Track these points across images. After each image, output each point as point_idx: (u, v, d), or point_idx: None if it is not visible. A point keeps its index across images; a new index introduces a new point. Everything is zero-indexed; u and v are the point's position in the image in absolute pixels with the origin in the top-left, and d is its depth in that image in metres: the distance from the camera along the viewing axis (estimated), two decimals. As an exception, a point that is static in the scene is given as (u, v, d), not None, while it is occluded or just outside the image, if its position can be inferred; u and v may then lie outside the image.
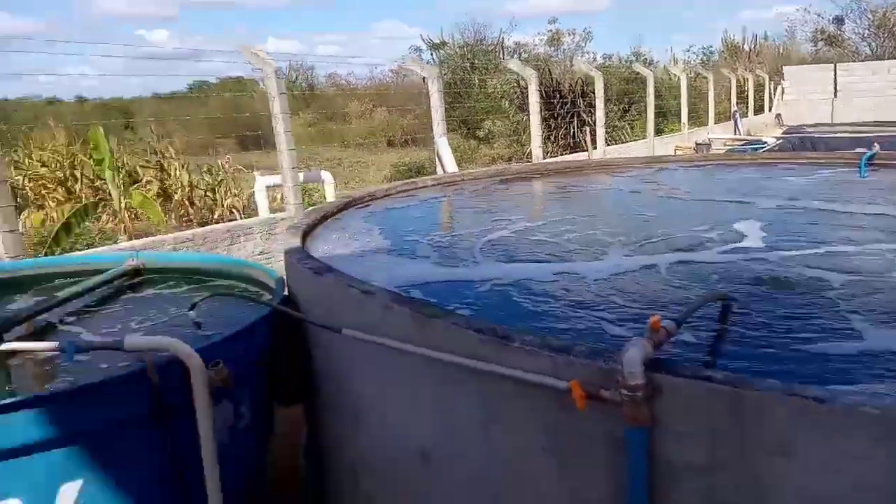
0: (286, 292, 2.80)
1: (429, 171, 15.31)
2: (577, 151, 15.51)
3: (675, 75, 19.16)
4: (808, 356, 1.86)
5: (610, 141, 15.98)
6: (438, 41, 25.79)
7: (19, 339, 2.47)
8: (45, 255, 7.55)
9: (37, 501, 1.97)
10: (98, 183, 11.60)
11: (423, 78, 9.89)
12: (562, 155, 15.77)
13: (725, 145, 14.60)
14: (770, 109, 24.76)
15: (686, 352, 1.88)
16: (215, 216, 12.09)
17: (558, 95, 18.05)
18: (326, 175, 9.35)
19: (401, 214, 4.28)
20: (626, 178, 5.40)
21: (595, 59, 25.56)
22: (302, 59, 36.03)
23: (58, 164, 12.78)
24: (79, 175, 12.49)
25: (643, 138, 16.58)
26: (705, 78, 20.04)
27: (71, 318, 2.81)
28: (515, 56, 22.95)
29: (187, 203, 12.69)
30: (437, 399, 2.00)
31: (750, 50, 31.56)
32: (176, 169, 12.95)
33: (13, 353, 2.38)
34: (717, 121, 19.88)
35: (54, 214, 11.37)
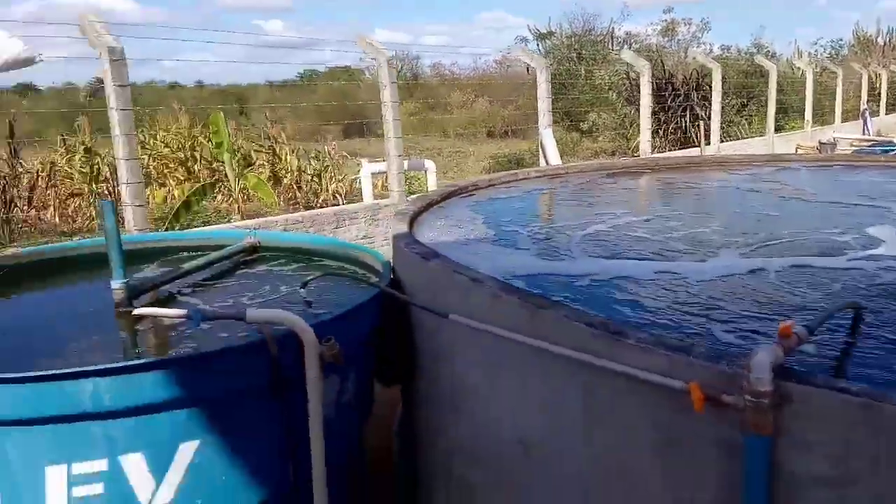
0: (392, 276, 2.85)
1: (529, 163, 15.15)
2: (686, 147, 14.89)
3: (798, 69, 18.01)
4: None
5: (724, 137, 15.21)
6: (546, 31, 25.39)
7: (148, 305, 2.64)
8: (166, 229, 8.08)
9: (158, 457, 2.07)
10: (215, 165, 12.24)
11: (528, 68, 9.79)
12: (670, 150, 15.19)
13: (852, 146, 13.60)
14: (904, 108, 22.86)
15: (804, 359, 1.76)
16: (320, 200, 12.48)
17: (670, 88, 17.34)
18: (430, 164, 9.46)
19: (504, 205, 4.26)
20: (743, 176, 5.12)
21: (711, 51, 24.35)
22: (407, 49, 36.54)
23: (179, 146, 13.58)
24: (198, 156, 13.23)
25: (761, 135, 15.71)
26: (833, 73, 18.71)
27: (188, 290, 2.95)
28: (625, 46, 22.21)
29: (295, 187, 13.17)
30: (543, 390, 1.98)
31: (885, 44, 29.14)
32: (286, 154, 13.47)
33: (141, 317, 2.55)
34: (844, 119, 18.55)
35: (175, 192, 12.13)
